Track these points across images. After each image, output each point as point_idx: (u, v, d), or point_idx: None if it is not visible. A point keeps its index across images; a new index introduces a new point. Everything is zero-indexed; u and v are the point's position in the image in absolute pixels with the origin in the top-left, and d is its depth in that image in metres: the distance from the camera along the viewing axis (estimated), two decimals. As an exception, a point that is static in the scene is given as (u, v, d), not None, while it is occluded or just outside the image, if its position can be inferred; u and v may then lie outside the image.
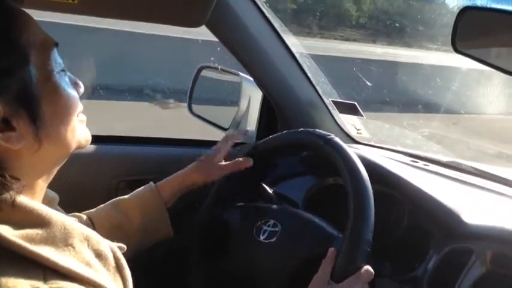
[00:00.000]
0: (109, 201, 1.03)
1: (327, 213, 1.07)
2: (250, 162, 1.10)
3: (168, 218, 1.05)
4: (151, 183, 1.07)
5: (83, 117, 0.72)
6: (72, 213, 0.96)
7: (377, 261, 0.86)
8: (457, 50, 0.72)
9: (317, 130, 1.01)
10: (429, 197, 0.99)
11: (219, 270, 1.05)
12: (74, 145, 0.68)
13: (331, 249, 0.86)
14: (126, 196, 1.04)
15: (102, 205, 1.02)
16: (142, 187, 1.07)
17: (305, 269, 0.79)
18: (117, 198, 1.04)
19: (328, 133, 0.99)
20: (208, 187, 1.10)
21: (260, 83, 1.33)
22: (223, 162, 1.11)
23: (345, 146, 0.95)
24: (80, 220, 0.95)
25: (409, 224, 1.01)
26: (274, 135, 1.09)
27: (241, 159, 1.11)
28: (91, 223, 0.97)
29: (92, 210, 1.01)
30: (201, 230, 1.10)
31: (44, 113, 0.61)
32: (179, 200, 1.08)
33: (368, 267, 0.83)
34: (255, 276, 0.99)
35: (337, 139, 0.97)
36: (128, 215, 1.01)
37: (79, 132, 0.69)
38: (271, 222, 1.00)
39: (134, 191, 1.06)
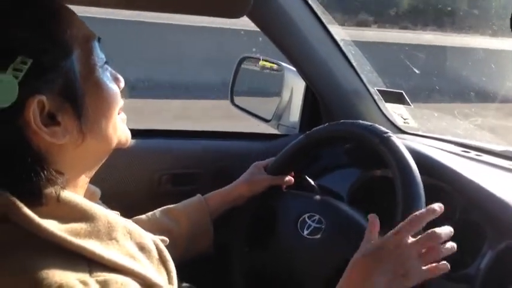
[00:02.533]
0: (157, 209, 1.04)
1: (373, 208, 1.04)
2: (292, 180, 1.11)
3: (212, 232, 1.05)
4: (199, 195, 1.08)
5: (124, 116, 0.72)
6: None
7: None
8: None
9: (374, 125, 0.95)
10: (482, 190, 0.95)
11: (260, 261, 1.04)
12: (115, 141, 0.68)
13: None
14: (174, 205, 1.06)
15: (150, 212, 1.04)
16: (192, 198, 1.08)
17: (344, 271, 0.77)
18: (167, 206, 1.05)
19: (386, 130, 0.93)
20: (253, 201, 1.09)
21: (303, 73, 1.31)
22: (268, 176, 1.10)
23: (401, 147, 0.90)
24: None
25: (460, 218, 0.96)
26: (326, 125, 1.05)
27: (287, 178, 1.10)
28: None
29: (141, 216, 1.02)
30: (246, 219, 1.09)
31: (88, 107, 0.62)
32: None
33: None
34: (294, 271, 0.98)
35: (394, 138, 0.91)
36: (177, 221, 1.03)
37: (120, 129, 0.69)
38: (317, 217, 0.98)
39: (182, 201, 1.07)
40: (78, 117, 0.61)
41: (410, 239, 0.76)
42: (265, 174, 1.10)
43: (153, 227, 0.99)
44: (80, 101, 0.61)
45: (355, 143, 1.08)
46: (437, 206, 0.79)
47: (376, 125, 0.95)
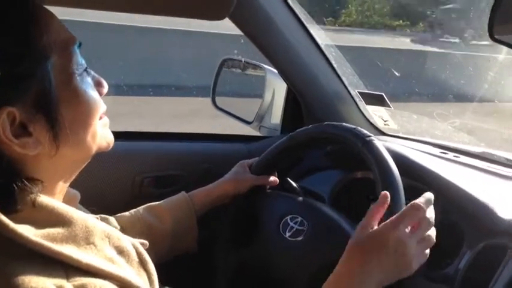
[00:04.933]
0: (141, 206, 1.03)
1: (354, 209, 1.05)
2: (277, 181, 1.11)
3: (197, 230, 1.04)
4: (183, 192, 1.07)
5: (106, 121, 0.70)
6: (100, 215, 0.97)
7: None
8: (493, 38, 0.68)
9: (357, 128, 0.95)
10: (460, 191, 0.96)
11: (242, 260, 1.04)
12: (94, 149, 0.66)
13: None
14: (159, 202, 1.04)
15: (135, 209, 1.02)
16: (176, 195, 1.06)
17: (326, 274, 0.76)
18: (151, 203, 1.04)
19: (369, 134, 0.93)
20: (237, 200, 1.09)
21: (284, 75, 1.31)
22: (253, 175, 1.10)
23: (383, 150, 0.90)
24: (107, 222, 0.95)
25: (440, 219, 0.97)
26: (310, 127, 1.05)
27: (272, 178, 1.10)
28: (118, 225, 0.97)
29: (124, 213, 1.01)
30: (230, 217, 1.08)
31: (63, 118, 0.60)
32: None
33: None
34: (275, 272, 0.98)
35: (376, 142, 0.91)
36: (160, 219, 1.01)
37: (100, 135, 0.67)
38: (299, 219, 0.98)
39: (167, 198, 1.05)
40: (51, 128, 0.59)
41: (407, 232, 0.74)
42: (249, 174, 1.10)
43: (136, 224, 0.99)
44: (54, 112, 0.59)
45: (338, 145, 1.08)
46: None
47: (359, 128, 0.95)
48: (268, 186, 1.11)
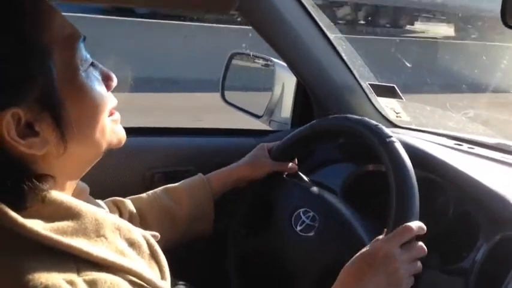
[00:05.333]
0: (158, 188, 1.02)
1: (366, 202, 1.03)
2: (295, 168, 1.10)
3: (213, 212, 1.04)
4: (200, 174, 1.06)
5: (117, 116, 0.69)
6: (114, 198, 0.96)
7: None
8: (507, 25, 0.66)
9: (379, 126, 0.92)
10: (476, 182, 0.94)
11: (254, 247, 1.04)
12: (104, 145, 0.65)
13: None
14: (176, 184, 1.04)
15: (152, 190, 1.02)
16: (193, 177, 1.05)
17: (332, 274, 0.76)
18: (168, 185, 1.03)
19: (390, 134, 0.90)
20: (253, 185, 1.08)
21: (294, 68, 1.29)
22: (272, 161, 1.08)
23: (402, 154, 0.87)
24: (123, 205, 0.96)
25: (455, 211, 0.96)
26: (331, 117, 1.04)
27: (290, 164, 1.09)
28: (134, 208, 0.97)
29: (142, 194, 1.00)
30: (246, 201, 1.08)
31: (69, 115, 0.59)
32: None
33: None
34: (284, 264, 0.97)
35: (397, 144, 0.88)
36: (178, 202, 1.00)
37: (110, 131, 0.66)
38: (311, 214, 0.96)
39: (184, 180, 1.05)
40: (58, 127, 0.58)
41: (399, 250, 0.76)
42: (268, 158, 1.08)
43: (154, 207, 0.98)
44: (60, 110, 0.58)
45: (356, 140, 1.06)
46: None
47: (381, 126, 0.92)
48: (285, 174, 1.10)
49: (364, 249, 0.77)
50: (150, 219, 0.96)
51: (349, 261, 0.77)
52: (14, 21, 0.55)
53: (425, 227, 0.79)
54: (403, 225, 0.77)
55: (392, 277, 0.74)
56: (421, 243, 0.78)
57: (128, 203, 0.96)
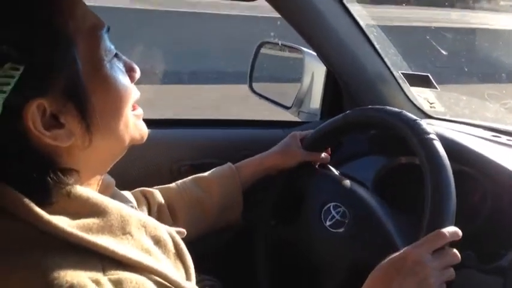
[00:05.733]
0: (188, 177, 1.02)
1: (398, 196, 1.00)
2: (328, 158, 1.08)
3: (242, 202, 1.03)
4: (230, 163, 1.05)
5: (140, 112, 0.68)
6: (143, 188, 0.96)
7: (459, 250, 0.77)
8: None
9: (417, 121, 0.88)
10: None
11: (283, 239, 1.02)
12: (127, 139, 0.64)
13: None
14: (206, 173, 1.03)
15: (180, 180, 1.01)
16: (222, 166, 1.05)
17: (361, 273, 0.73)
18: (197, 175, 1.03)
19: (428, 130, 0.86)
20: (284, 175, 1.06)
21: (324, 57, 1.27)
22: (304, 150, 1.06)
23: (441, 152, 0.82)
24: (151, 195, 0.95)
25: (492, 206, 0.92)
26: (366, 108, 1.00)
27: (323, 155, 1.07)
28: (163, 198, 0.97)
29: (171, 184, 1.00)
30: (276, 191, 1.06)
31: (94, 106, 0.58)
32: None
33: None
34: (312, 258, 0.96)
35: (435, 142, 0.83)
36: (207, 191, 1.00)
37: (133, 126, 0.65)
38: (341, 209, 0.94)
39: (213, 169, 1.04)
40: (83, 118, 0.57)
41: (430, 256, 0.72)
42: (300, 148, 1.06)
43: (184, 197, 0.98)
44: (85, 101, 0.57)
45: (392, 133, 1.02)
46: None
47: (420, 120, 0.88)
48: (317, 164, 1.08)
49: (394, 254, 0.74)
50: (179, 209, 0.96)
51: (378, 266, 0.74)
52: (38, 11, 0.55)
53: (460, 233, 0.75)
54: (437, 230, 0.74)
55: (423, 284, 0.71)
56: (454, 250, 0.74)
57: (157, 193, 0.96)
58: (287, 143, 1.07)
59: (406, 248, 0.74)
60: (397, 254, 0.74)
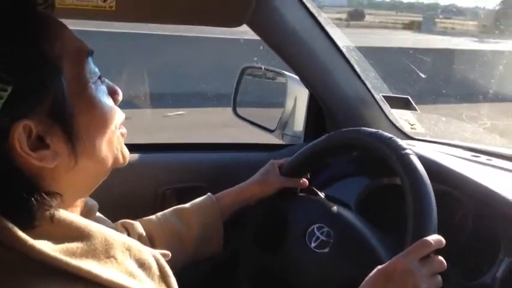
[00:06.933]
0: (168, 210, 1.02)
1: (381, 216, 1.01)
2: (306, 183, 1.09)
3: (222, 232, 1.03)
4: (210, 194, 1.05)
5: (123, 130, 0.69)
6: (124, 221, 0.96)
7: None
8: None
9: (393, 139, 0.90)
10: (495, 195, 0.92)
11: (267, 266, 1.01)
12: (110, 160, 0.65)
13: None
14: (186, 205, 1.03)
15: (161, 212, 1.01)
16: (202, 197, 1.04)
17: None
18: (178, 206, 1.03)
19: (405, 146, 0.88)
20: (265, 203, 1.06)
21: (306, 81, 1.28)
22: (281, 177, 1.07)
23: (418, 167, 0.85)
24: (132, 227, 0.95)
25: (474, 225, 0.93)
26: (343, 131, 1.02)
27: (302, 180, 1.08)
28: (144, 230, 0.96)
29: (151, 217, 1.00)
30: (256, 220, 1.06)
31: (79, 128, 0.59)
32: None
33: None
34: (298, 282, 0.95)
35: (412, 156, 0.86)
36: (187, 223, 1.00)
37: (117, 145, 0.66)
38: (325, 230, 0.94)
39: (193, 201, 1.04)
40: (69, 139, 0.58)
41: (418, 264, 0.73)
42: (278, 175, 1.07)
43: (165, 230, 0.97)
44: (70, 122, 0.58)
45: (370, 153, 1.04)
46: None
47: (396, 138, 0.90)
48: (299, 189, 1.08)
49: (382, 265, 0.75)
50: (159, 242, 0.96)
51: (367, 278, 0.75)
52: (26, 34, 0.56)
53: (444, 240, 0.76)
54: (421, 239, 0.75)
55: None
56: (440, 257, 0.76)
57: (137, 225, 0.95)
58: (264, 172, 1.08)
59: (393, 258, 0.75)
60: (385, 264, 0.74)
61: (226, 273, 1.04)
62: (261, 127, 1.46)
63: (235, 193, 1.06)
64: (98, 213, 0.75)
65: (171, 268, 0.66)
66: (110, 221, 0.84)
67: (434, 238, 0.76)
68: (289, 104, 1.39)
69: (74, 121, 0.58)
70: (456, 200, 0.97)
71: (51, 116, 0.56)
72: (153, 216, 1.00)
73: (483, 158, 1.14)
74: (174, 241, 0.97)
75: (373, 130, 0.95)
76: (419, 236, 0.76)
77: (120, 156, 0.67)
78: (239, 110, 1.49)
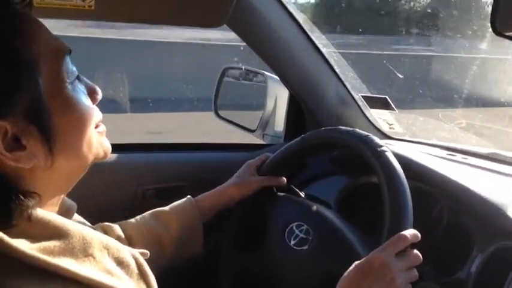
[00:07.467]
0: (147, 212, 1.02)
1: (360, 214, 1.02)
2: (284, 181, 1.09)
3: (202, 236, 1.03)
4: (189, 197, 1.05)
5: (103, 128, 0.68)
6: (103, 224, 0.95)
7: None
8: (496, 32, 0.65)
9: (370, 137, 0.92)
10: (469, 192, 0.94)
11: (248, 265, 1.02)
12: (90, 158, 0.65)
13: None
14: (165, 208, 1.03)
15: (140, 215, 1.01)
16: (182, 200, 1.05)
17: (330, 286, 0.75)
18: (157, 209, 1.02)
19: (381, 143, 0.91)
20: (244, 203, 1.07)
21: (286, 81, 1.30)
22: (258, 177, 1.08)
23: (394, 163, 0.87)
24: (110, 230, 0.94)
25: (449, 222, 0.95)
26: (321, 130, 1.03)
27: (279, 178, 1.09)
28: (123, 233, 0.96)
29: (131, 220, 0.99)
30: (235, 222, 1.07)
31: (56, 128, 0.58)
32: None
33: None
34: (279, 280, 0.96)
35: (388, 154, 0.88)
36: (166, 226, 0.99)
37: (97, 144, 0.66)
38: (304, 227, 0.95)
39: (173, 203, 1.04)
40: (46, 140, 0.57)
41: (395, 258, 0.75)
42: (256, 175, 1.08)
43: (144, 233, 0.97)
44: (47, 123, 0.57)
45: (348, 152, 1.06)
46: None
47: (372, 136, 0.92)
48: (278, 188, 1.09)
49: (359, 261, 0.76)
50: (139, 244, 0.95)
51: (345, 273, 0.76)
52: (1, 35, 0.55)
53: (419, 235, 0.78)
54: (398, 234, 0.77)
55: (390, 286, 0.74)
56: (416, 251, 0.78)
57: (116, 228, 0.95)
58: (241, 174, 1.09)
59: (370, 253, 0.76)
60: (362, 259, 0.76)
61: (206, 274, 1.04)
62: (242, 127, 1.47)
63: (214, 196, 1.07)
64: (78, 216, 0.75)
65: (151, 270, 0.66)
66: (89, 223, 0.84)
67: (410, 232, 0.78)
68: (269, 104, 1.40)
69: (51, 121, 0.58)
70: (431, 197, 0.99)
71: (27, 117, 0.56)
72: (132, 219, 0.99)
73: (459, 157, 1.16)
74: (154, 244, 0.96)
75: (350, 129, 0.97)
76: (396, 230, 0.78)
77: (101, 151, 0.67)
78: (220, 111, 1.49)
